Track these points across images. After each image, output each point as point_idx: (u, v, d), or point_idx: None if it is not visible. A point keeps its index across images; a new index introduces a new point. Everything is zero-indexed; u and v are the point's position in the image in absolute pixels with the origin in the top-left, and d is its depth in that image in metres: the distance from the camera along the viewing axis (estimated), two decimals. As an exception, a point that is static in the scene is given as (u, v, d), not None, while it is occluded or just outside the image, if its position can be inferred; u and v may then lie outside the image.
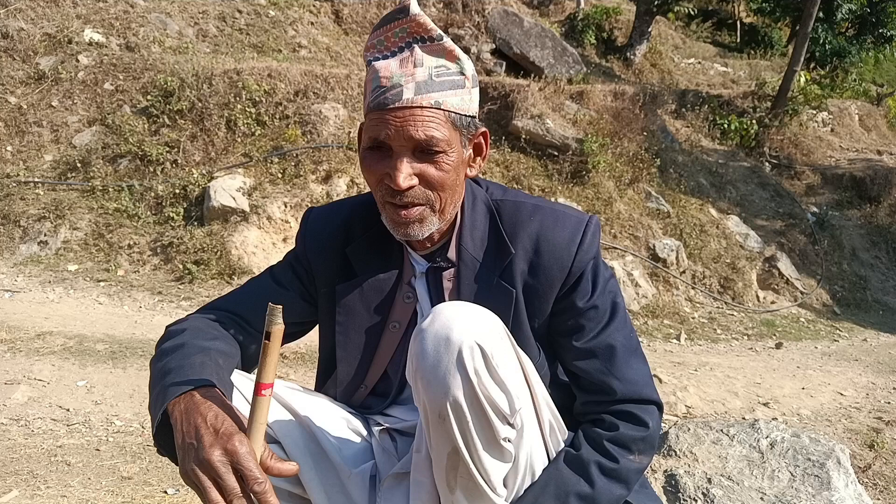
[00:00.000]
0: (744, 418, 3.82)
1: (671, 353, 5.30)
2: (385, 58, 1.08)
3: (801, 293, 7.41)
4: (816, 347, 6.00)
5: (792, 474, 1.67)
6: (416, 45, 1.07)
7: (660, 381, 4.13)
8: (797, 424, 3.76)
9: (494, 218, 1.21)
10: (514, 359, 1.05)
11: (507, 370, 1.01)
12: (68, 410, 3.07)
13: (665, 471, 1.76)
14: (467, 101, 1.11)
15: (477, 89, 1.15)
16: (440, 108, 1.06)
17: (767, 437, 1.81)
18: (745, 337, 6.15)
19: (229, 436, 0.90)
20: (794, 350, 5.83)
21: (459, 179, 1.14)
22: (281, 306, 0.90)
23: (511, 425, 1.02)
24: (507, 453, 1.03)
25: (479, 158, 1.20)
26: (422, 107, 1.05)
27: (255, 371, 0.94)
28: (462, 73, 1.09)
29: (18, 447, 2.68)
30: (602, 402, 1.17)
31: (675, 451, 1.83)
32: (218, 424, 0.91)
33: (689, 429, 1.93)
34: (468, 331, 0.96)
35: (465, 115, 1.11)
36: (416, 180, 1.08)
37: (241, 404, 1.12)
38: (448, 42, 1.08)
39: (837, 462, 1.70)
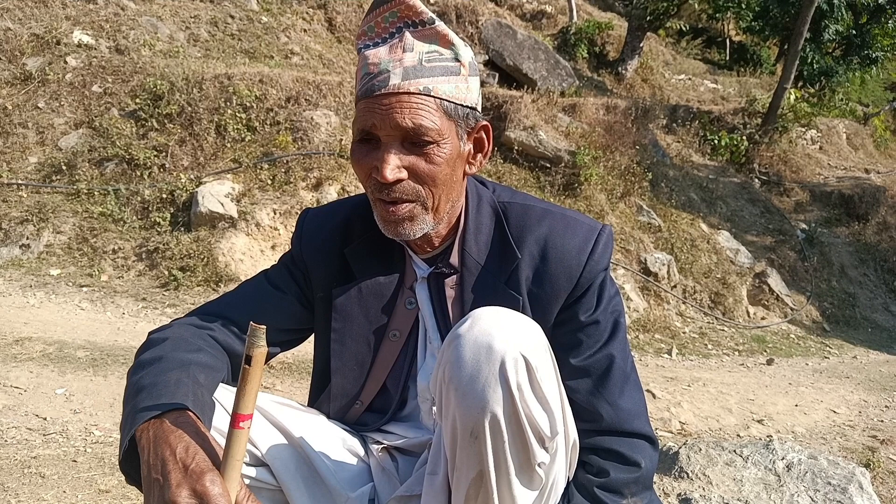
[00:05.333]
0: (738, 435, 3.77)
1: (663, 367, 5.25)
2: (376, 45, 1.02)
3: (792, 309, 7.40)
4: (807, 364, 5.98)
5: (812, 499, 1.59)
6: (406, 31, 1.00)
7: (653, 396, 4.08)
8: (794, 442, 3.71)
9: (501, 221, 1.13)
10: (555, 376, 0.96)
11: (550, 388, 0.92)
12: (45, 419, 2.96)
13: (679, 494, 1.67)
14: (463, 90, 1.02)
15: (476, 78, 1.06)
16: (430, 95, 0.99)
17: (783, 458, 1.73)
18: (736, 352, 6.12)
19: (200, 474, 0.79)
20: (786, 366, 5.80)
21: (455, 175, 1.06)
22: (264, 327, 0.79)
23: (546, 449, 0.93)
24: (538, 479, 0.95)
25: (479, 155, 1.11)
26: (409, 93, 0.98)
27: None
28: (457, 60, 1.02)
29: (-9, 457, 2.57)
30: (588, 431, 1.07)
31: (688, 473, 1.74)
32: (188, 459, 0.80)
33: (700, 449, 1.84)
34: (512, 340, 0.87)
35: (462, 105, 1.03)
36: (404, 174, 1.01)
37: (224, 423, 1.02)
38: (441, 26, 1.01)
39: (860, 487, 1.62)
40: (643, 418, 1.10)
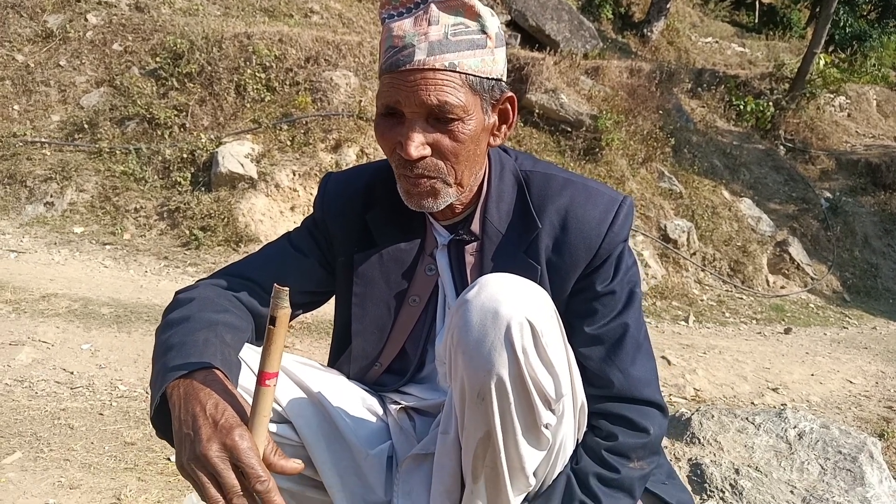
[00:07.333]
0: (752, 403, 3.78)
1: (679, 334, 5.26)
2: (400, 15, 1.00)
3: (812, 279, 7.33)
4: (825, 334, 5.95)
5: (822, 467, 1.61)
6: (431, 2, 0.98)
7: (668, 363, 4.09)
8: (807, 411, 3.72)
9: (522, 189, 1.13)
10: (561, 340, 0.98)
11: (556, 351, 0.94)
12: (72, 373, 3.05)
13: (689, 459, 1.70)
14: (489, 63, 1.01)
15: (503, 49, 1.05)
16: (455, 71, 0.97)
17: (795, 427, 1.74)
18: (754, 321, 6.10)
19: (229, 429, 0.82)
20: (803, 336, 5.78)
21: (479, 150, 1.06)
22: (288, 288, 0.82)
23: (552, 411, 0.95)
24: (545, 440, 0.97)
25: (504, 126, 1.10)
26: (434, 69, 0.96)
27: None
28: (483, 32, 1.00)
29: (22, 409, 2.66)
30: (599, 397, 1.10)
31: (699, 439, 1.77)
32: (217, 415, 0.84)
33: (712, 416, 1.86)
34: (518, 305, 0.89)
35: (487, 78, 1.02)
36: (428, 150, 1.00)
37: (250, 381, 1.05)
38: None
39: (870, 456, 1.63)
40: (654, 386, 1.12)
